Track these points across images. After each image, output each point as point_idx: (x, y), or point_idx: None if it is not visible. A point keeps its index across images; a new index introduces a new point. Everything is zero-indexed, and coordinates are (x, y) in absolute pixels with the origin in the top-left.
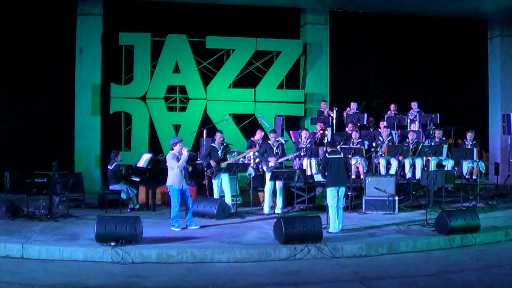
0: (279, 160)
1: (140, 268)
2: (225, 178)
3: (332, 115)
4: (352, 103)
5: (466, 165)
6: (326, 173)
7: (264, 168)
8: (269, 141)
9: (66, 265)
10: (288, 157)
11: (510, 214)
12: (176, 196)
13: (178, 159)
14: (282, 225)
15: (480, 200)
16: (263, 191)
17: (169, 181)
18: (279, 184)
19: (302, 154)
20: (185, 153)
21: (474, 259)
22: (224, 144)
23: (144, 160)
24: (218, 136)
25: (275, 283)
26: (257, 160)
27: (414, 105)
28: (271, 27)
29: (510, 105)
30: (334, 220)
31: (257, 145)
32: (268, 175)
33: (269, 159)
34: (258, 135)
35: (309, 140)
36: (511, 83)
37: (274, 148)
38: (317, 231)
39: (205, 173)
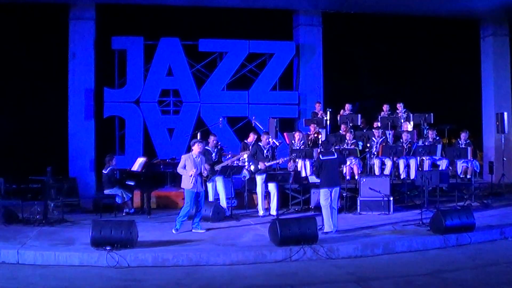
0: (268, 164)
1: (136, 272)
2: (219, 180)
3: (325, 117)
4: (346, 105)
5: (460, 165)
6: (319, 174)
7: (252, 167)
8: (260, 143)
9: (61, 270)
10: (278, 161)
11: (505, 213)
12: (188, 198)
13: (193, 162)
14: (277, 227)
15: (475, 199)
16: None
17: (183, 184)
18: (272, 186)
19: (292, 159)
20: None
21: (469, 258)
22: (218, 147)
23: (138, 164)
24: (212, 139)
25: (271, 285)
26: (251, 162)
27: (400, 106)
28: (264, 29)
29: (503, 104)
30: (328, 219)
31: (250, 147)
32: (258, 178)
33: (260, 163)
34: (251, 137)
35: (302, 142)
36: (504, 82)
37: (265, 151)
38: (313, 232)
39: None
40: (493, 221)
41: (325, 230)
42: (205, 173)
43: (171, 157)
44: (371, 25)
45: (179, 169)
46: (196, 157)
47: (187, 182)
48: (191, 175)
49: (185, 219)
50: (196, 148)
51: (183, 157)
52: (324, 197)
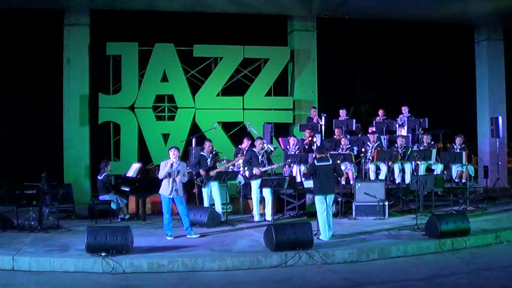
0: (263, 169)
1: (131, 278)
2: (214, 186)
3: (320, 122)
4: (341, 111)
5: (455, 169)
6: (312, 180)
7: (246, 173)
8: (254, 149)
9: (57, 277)
10: (273, 166)
11: (500, 217)
12: (164, 204)
13: (170, 166)
14: (272, 232)
15: (470, 203)
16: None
17: (161, 189)
18: (267, 191)
19: (287, 164)
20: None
21: (465, 263)
22: (214, 153)
23: (133, 169)
24: (207, 144)
25: None
26: (246, 167)
27: (404, 109)
28: (258, 34)
29: (498, 108)
30: (325, 228)
31: (244, 152)
32: (253, 183)
33: (254, 169)
34: (245, 143)
35: (297, 147)
36: (498, 86)
37: (260, 156)
38: (308, 237)
39: (195, 181)
40: (488, 226)
41: (320, 237)
42: (180, 179)
43: None
44: (366, 30)
45: (161, 175)
46: (174, 162)
47: (165, 188)
48: (168, 171)
49: (171, 226)
50: (171, 155)
51: (162, 163)
52: (319, 204)
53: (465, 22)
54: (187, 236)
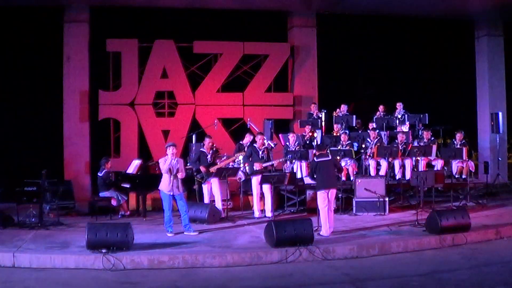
0: (264, 165)
1: (132, 275)
2: (215, 182)
3: (320, 115)
4: (342, 105)
5: (455, 165)
6: (315, 176)
7: (247, 169)
8: (255, 145)
9: (57, 273)
10: (273, 163)
11: (500, 213)
12: (165, 201)
13: (169, 165)
14: (273, 229)
15: (470, 199)
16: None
17: (161, 185)
18: (266, 187)
19: (288, 160)
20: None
21: (465, 258)
22: (214, 149)
23: (133, 166)
24: (207, 141)
25: (267, 286)
26: (246, 164)
27: (399, 105)
28: (258, 30)
29: (498, 104)
30: (326, 222)
31: (245, 148)
32: (253, 179)
33: (255, 164)
34: (247, 138)
35: (297, 143)
36: (498, 82)
37: (260, 152)
38: (308, 233)
39: (195, 178)
40: (488, 221)
41: (321, 233)
42: (181, 175)
43: None
44: (366, 26)
45: (163, 170)
46: (172, 160)
47: (165, 184)
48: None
49: (171, 223)
50: (169, 152)
51: (161, 160)
52: (321, 199)
53: (465, 18)
54: (185, 233)
